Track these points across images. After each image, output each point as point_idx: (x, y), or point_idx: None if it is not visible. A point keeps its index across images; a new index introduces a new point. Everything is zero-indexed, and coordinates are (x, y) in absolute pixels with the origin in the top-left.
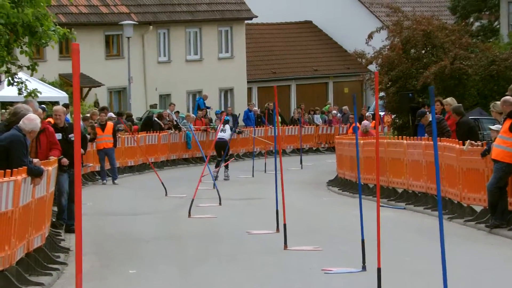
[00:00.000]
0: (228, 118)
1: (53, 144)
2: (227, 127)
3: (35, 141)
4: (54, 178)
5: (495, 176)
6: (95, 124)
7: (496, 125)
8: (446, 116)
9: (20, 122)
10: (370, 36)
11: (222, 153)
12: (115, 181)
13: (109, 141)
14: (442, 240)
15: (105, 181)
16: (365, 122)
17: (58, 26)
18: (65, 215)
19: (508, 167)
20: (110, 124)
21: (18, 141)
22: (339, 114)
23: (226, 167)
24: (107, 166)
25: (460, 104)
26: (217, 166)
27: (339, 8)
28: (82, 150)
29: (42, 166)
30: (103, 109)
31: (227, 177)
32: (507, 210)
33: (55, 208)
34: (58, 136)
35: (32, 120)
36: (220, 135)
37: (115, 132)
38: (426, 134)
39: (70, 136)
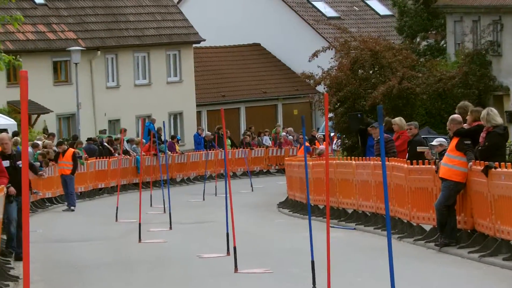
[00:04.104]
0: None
1: (0, 172)
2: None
3: None
4: (2, 206)
5: (443, 195)
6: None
7: (436, 140)
8: (395, 136)
9: None
10: (314, 55)
11: None
12: (71, 208)
13: (67, 168)
14: (390, 260)
15: (72, 208)
16: (321, 146)
17: (3, 54)
18: (14, 243)
19: (455, 185)
20: (70, 150)
21: None
22: (290, 136)
23: None
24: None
25: (416, 122)
26: None
27: (287, 30)
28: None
29: None
30: (49, 135)
31: None
32: (455, 229)
33: (4, 237)
34: (6, 163)
35: None
36: None
37: (75, 158)
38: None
39: (18, 163)
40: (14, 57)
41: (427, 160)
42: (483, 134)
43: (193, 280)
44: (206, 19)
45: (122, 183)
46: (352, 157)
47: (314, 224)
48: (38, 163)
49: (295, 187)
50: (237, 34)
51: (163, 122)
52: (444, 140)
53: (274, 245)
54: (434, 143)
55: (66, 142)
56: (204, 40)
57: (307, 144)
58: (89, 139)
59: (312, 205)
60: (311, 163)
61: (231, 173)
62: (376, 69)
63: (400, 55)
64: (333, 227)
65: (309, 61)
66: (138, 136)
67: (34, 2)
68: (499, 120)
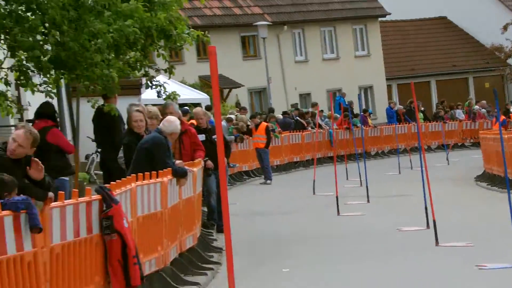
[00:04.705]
0: None
1: (196, 145)
2: None
3: (178, 143)
4: (201, 179)
5: None
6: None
7: None
8: None
9: (160, 125)
10: (505, 27)
11: None
12: (267, 181)
13: (261, 141)
14: None
15: (268, 181)
16: None
17: (192, 29)
18: (215, 216)
19: None
20: (263, 124)
21: (160, 143)
22: (483, 110)
23: None
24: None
25: None
26: None
27: (473, 2)
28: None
29: (186, 167)
30: (241, 109)
31: None
32: None
33: (205, 209)
34: (202, 137)
35: (171, 122)
36: None
37: (268, 132)
38: None
39: (213, 137)
40: (202, 32)
41: None
42: None
43: (394, 253)
44: None
45: (317, 156)
46: None
47: None
48: (233, 137)
49: (492, 160)
50: (421, 8)
51: (358, 95)
52: None
53: (474, 219)
54: None
55: (259, 116)
56: (390, 13)
57: (502, 117)
58: (284, 113)
59: (510, 178)
60: (506, 136)
61: (425, 146)
62: None
63: None
64: None
65: (502, 33)
66: (329, 110)
67: None
68: None
